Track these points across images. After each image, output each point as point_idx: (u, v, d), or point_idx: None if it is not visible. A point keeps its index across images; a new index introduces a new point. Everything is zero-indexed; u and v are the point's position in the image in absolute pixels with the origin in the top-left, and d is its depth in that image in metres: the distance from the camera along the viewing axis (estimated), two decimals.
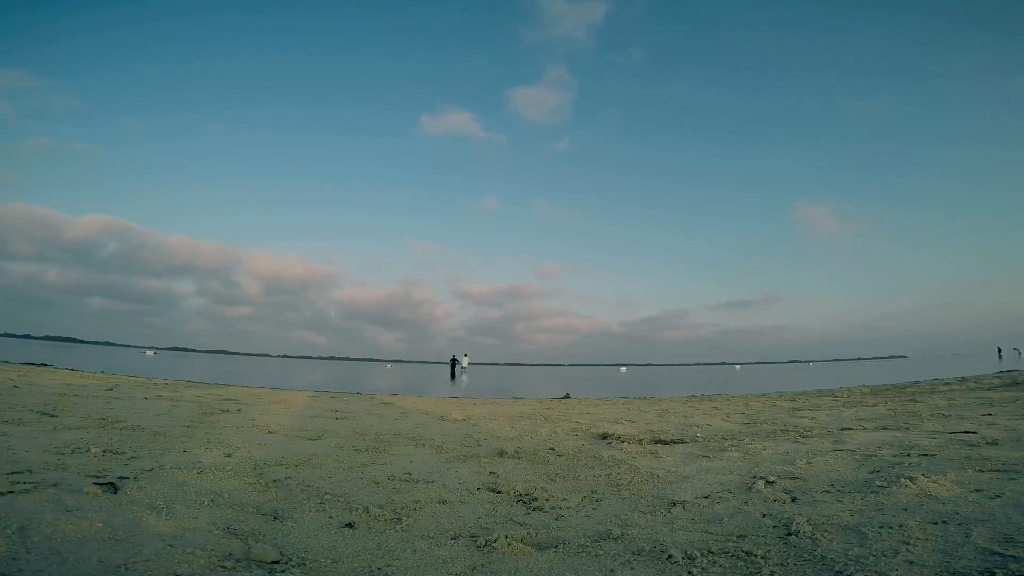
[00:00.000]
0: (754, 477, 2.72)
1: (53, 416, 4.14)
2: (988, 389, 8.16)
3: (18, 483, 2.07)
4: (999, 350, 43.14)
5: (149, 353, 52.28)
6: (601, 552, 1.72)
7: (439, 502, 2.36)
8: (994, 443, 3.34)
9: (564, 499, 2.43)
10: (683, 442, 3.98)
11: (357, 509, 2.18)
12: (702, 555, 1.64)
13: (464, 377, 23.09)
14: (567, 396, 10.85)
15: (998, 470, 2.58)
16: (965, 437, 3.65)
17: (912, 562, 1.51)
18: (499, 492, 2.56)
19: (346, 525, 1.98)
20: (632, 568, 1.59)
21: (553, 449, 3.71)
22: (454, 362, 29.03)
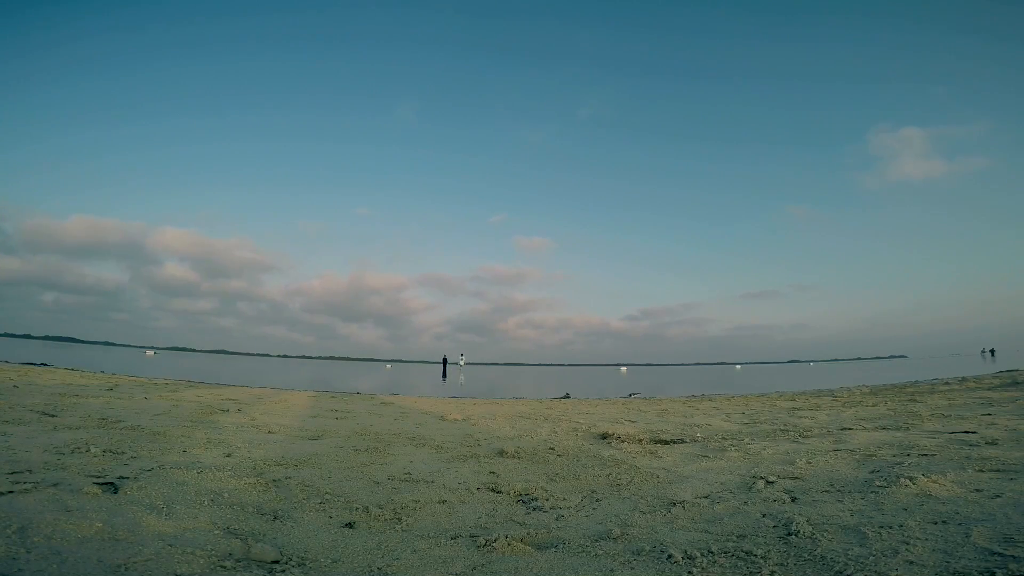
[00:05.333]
0: (754, 477, 2.72)
1: (53, 416, 4.14)
2: (988, 389, 8.16)
3: (18, 483, 2.06)
4: (982, 351, 43.18)
5: (149, 353, 52.36)
6: (601, 552, 1.72)
7: (439, 502, 2.36)
8: (994, 443, 3.34)
9: (564, 499, 2.43)
10: (683, 442, 3.97)
11: (357, 509, 2.18)
12: (702, 555, 1.64)
13: (461, 377, 23.26)
14: (567, 396, 10.85)
15: (998, 470, 2.58)
16: (965, 437, 3.65)
17: (912, 562, 1.51)
18: (499, 492, 2.56)
19: (346, 525, 1.98)
20: (632, 568, 1.59)
21: (553, 449, 3.71)
22: (445, 361, 29.46)
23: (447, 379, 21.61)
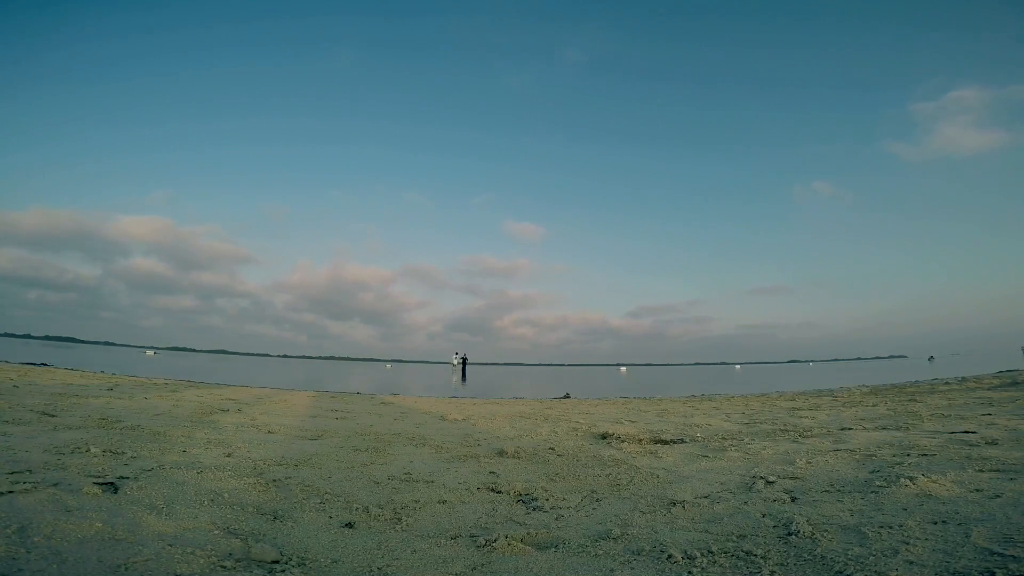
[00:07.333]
0: (754, 477, 2.72)
1: (53, 416, 4.14)
2: (988, 389, 8.16)
3: (18, 483, 2.06)
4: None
5: (149, 353, 52.43)
6: (601, 552, 1.72)
7: (439, 502, 2.36)
8: (994, 443, 3.34)
9: (564, 499, 2.43)
10: (683, 442, 3.97)
11: (357, 509, 2.18)
12: (702, 555, 1.64)
13: (454, 377, 23.25)
14: (567, 396, 10.84)
15: (998, 470, 2.58)
16: (965, 437, 3.65)
17: (912, 562, 1.51)
18: (499, 492, 2.56)
19: (346, 525, 1.99)
20: (632, 568, 1.59)
21: (553, 449, 3.71)
22: (465, 362, 29.27)
23: (467, 381, 20.36)
